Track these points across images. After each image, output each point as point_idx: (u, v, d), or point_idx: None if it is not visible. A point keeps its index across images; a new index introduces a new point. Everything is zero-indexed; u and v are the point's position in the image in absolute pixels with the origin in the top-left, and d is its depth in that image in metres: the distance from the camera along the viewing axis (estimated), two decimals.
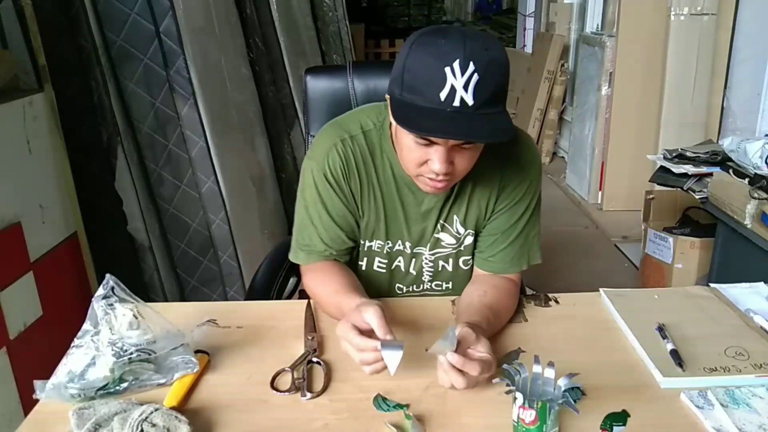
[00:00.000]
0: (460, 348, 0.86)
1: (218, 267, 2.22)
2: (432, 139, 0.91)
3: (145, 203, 2.08)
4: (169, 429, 0.77)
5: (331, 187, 1.07)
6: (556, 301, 1.15)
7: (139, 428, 0.76)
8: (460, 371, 0.83)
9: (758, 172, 1.94)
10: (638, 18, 3.43)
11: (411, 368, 0.90)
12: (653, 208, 2.61)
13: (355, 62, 1.40)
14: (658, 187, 2.51)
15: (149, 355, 0.90)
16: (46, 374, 0.88)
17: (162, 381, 0.90)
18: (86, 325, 0.90)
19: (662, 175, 2.36)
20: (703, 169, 2.23)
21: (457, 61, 0.84)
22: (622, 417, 0.82)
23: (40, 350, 1.59)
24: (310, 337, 1.02)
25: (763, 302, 1.11)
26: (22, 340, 1.56)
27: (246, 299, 1.36)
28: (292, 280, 1.36)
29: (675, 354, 0.94)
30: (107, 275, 0.90)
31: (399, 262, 1.16)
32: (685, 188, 2.25)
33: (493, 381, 0.85)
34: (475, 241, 1.15)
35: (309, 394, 0.88)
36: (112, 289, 0.89)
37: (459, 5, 9.84)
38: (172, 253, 2.20)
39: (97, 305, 0.88)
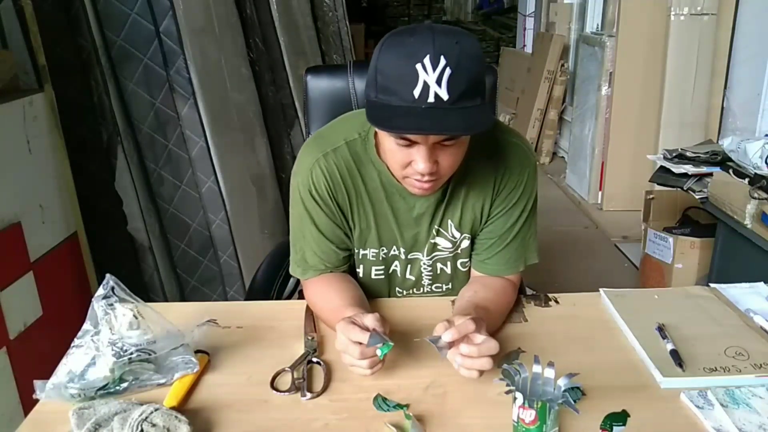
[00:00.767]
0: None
1: (218, 267, 2.22)
2: (411, 138, 0.90)
3: (145, 203, 2.08)
4: (169, 429, 0.78)
5: (317, 203, 1.07)
6: (556, 301, 1.15)
7: (139, 428, 0.76)
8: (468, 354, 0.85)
9: (758, 172, 1.94)
10: (638, 18, 3.43)
11: (411, 368, 0.90)
12: (653, 208, 2.61)
13: (356, 62, 1.40)
14: (658, 187, 2.51)
15: (149, 355, 0.90)
16: (46, 374, 0.88)
17: (162, 381, 0.90)
18: (86, 325, 0.90)
19: (662, 175, 2.36)
20: (703, 169, 2.23)
21: (428, 56, 0.83)
22: (622, 417, 0.82)
23: (40, 350, 1.59)
24: (310, 337, 1.02)
25: (763, 302, 1.11)
26: (22, 340, 1.56)
27: (246, 299, 1.36)
28: (292, 280, 1.36)
29: (675, 354, 0.94)
30: (107, 275, 0.90)
31: (395, 267, 1.16)
32: (685, 188, 2.25)
33: (493, 381, 0.85)
34: (472, 244, 1.15)
35: (309, 394, 0.88)
36: (112, 289, 0.89)
37: (459, 5, 9.84)
38: (172, 253, 2.20)
39: (97, 305, 0.88)
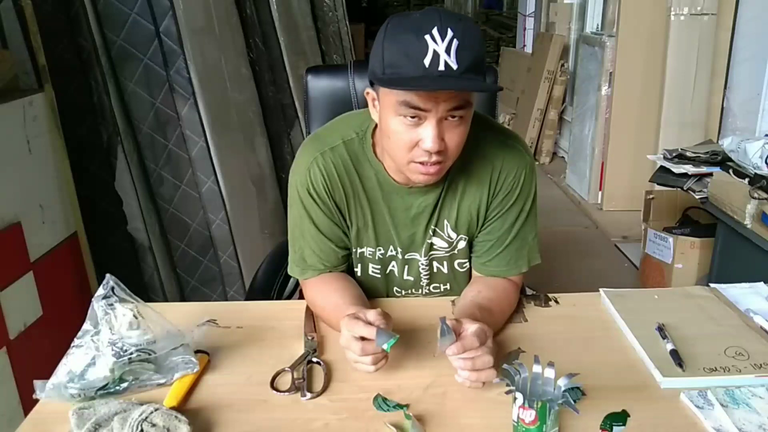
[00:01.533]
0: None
1: (218, 267, 2.22)
2: (423, 107, 0.90)
3: (145, 203, 2.08)
4: (169, 429, 0.78)
5: (315, 202, 1.07)
6: (556, 301, 1.15)
7: (139, 428, 0.76)
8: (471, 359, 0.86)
9: (758, 172, 1.94)
10: (638, 18, 3.43)
11: (411, 368, 0.90)
12: (653, 208, 2.61)
13: (357, 61, 1.40)
14: (658, 187, 2.51)
15: (149, 355, 0.90)
16: (46, 374, 0.88)
17: (162, 381, 0.90)
18: (86, 325, 0.90)
19: (662, 175, 2.36)
20: (703, 169, 2.23)
21: (435, 28, 0.86)
22: (622, 417, 0.82)
23: (40, 350, 1.59)
24: (310, 337, 1.02)
25: (763, 302, 1.11)
26: (22, 340, 1.56)
27: (246, 299, 1.36)
28: (292, 280, 1.36)
29: (675, 354, 0.94)
30: (107, 275, 0.90)
31: (393, 267, 1.16)
32: (685, 188, 2.25)
33: (494, 381, 0.85)
34: (470, 246, 1.15)
35: (309, 394, 0.88)
36: (112, 289, 0.89)
37: (459, 5, 9.85)
38: (172, 253, 2.20)
39: (97, 305, 0.88)
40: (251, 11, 2.60)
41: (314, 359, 0.97)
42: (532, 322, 1.09)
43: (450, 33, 0.86)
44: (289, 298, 1.38)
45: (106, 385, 0.87)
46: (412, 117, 0.91)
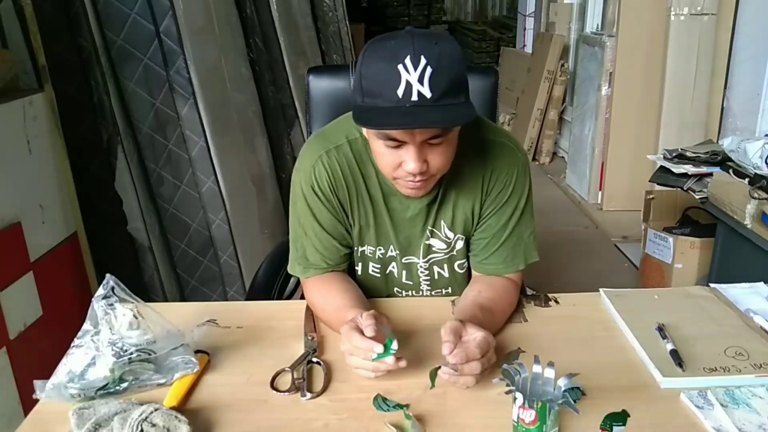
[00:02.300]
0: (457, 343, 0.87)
1: (218, 267, 2.22)
2: (399, 138, 0.91)
3: (145, 203, 2.08)
4: (169, 429, 0.78)
5: (319, 199, 1.08)
6: (556, 301, 1.15)
7: (139, 428, 0.76)
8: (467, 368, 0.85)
9: (758, 172, 1.94)
10: (638, 18, 3.43)
11: (411, 368, 0.90)
12: (653, 208, 2.61)
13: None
14: (658, 187, 2.51)
15: (149, 355, 0.90)
16: (46, 374, 0.88)
17: (162, 381, 0.90)
18: (86, 325, 0.90)
19: (662, 175, 2.36)
20: (703, 169, 2.23)
21: (408, 56, 0.86)
22: (622, 417, 0.82)
23: (40, 350, 1.59)
24: (310, 337, 1.02)
25: (763, 302, 1.11)
26: (22, 340, 1.56)
27: (246, 299, 1.36)
28: (292, 280, 1.36)
29: (675, 354, 0.94)
30: (107, 275, 0.90)
31: (393, 268, 1.17)
32: (685, 188, 2.25)
33: (493, 381, 0.85)
34: (468, 245, 1.15)
35: (309, 394, 0.88)
36: (112, 289, 0.89)
37: (459, 5, 9.85)
38: (172, 253, 2.20)
39: (97, 305, 0.88)
40: (251, 11, 2.60)
41: (314, 359, 0.97)
42: (532, 322, 1.09)
43: (423, 61, 0.85)
44: (289, 298, 1.38)
45: (106, 385, 0.87)
46: (392, 140, 0.92)
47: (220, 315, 1.09)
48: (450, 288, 1.19)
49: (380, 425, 0.82)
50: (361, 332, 0.88)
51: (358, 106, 0.93)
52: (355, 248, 1.14)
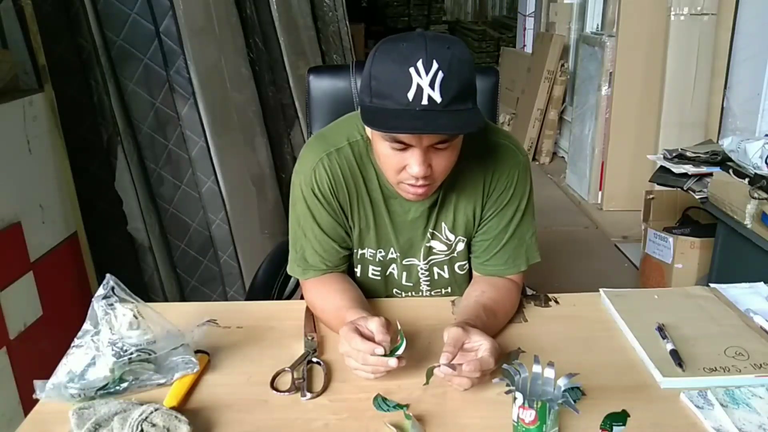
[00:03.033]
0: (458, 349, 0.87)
1: (218, 267, 2.22)
2: (405, 141, 0.91)
3: (145, 203, 2.08)
4: (169, 429, 0.78)
5: (319, 201, 1.07)
6: (556, 302, 1.15)
7: (139, 428, 0.76)
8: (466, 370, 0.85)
9: (758, 172, 1.94)
10: (638, 18, 3.43)
11: (411, 368, 0.90)
12: (653, 208, 2.61)
13: (358, 62, 1.40)
14: (658, 187, 2.51)
15: (149, 355, 0.90)
16: (46, 374, 0.88)
17: (162, 381, 0.90)
18: (86, 325, 0.90)
19: (662, 175, 2.36)
20: (703, 169, 2.23)
21: (420, 60, 0.85)
22: (622, 417, 0.82)
23: (40, 350, 1.59)
24: (310, 337, 1.02)
25: (763, 302, 1.11)
26: (22, 340, 1.56)
27: (246, 299, 1.36)
28: (292, 280, 1.36)
29: (675, 354, 0.94)
30: (107, 275, 0.90)
31: (393, 270, 1.17)
32: (685, 188, 2.25)
33: (493, 381, 0.85)
34: (468, 247, 1.15)
35: (309, 394, 0.88)
36: (112, 289, 0.89)
37: (459, 5, 9.85)
38: (172, 253, 2.20)
39: (97, 305, 0.88)
40: (251, 11, 2.60)
41: (314, 359, 0.97)
42: (532, 322, 1.09)
43: (435, 65, 0.85)
44: (289, 298, 1.38)
45: (106, 385, 0.87)
46: (399, 143, 0.92)
47: (220, 315, 1.09)
48: (450, 288, 1.19)
49: (380, 425, 0.82)
50: (361, 334, 0.88)
51: (367, 107, 0.92)
52: (355, 251, 1.14)
